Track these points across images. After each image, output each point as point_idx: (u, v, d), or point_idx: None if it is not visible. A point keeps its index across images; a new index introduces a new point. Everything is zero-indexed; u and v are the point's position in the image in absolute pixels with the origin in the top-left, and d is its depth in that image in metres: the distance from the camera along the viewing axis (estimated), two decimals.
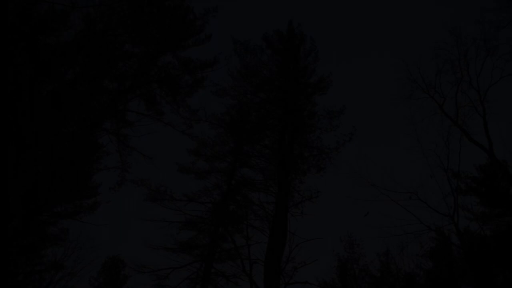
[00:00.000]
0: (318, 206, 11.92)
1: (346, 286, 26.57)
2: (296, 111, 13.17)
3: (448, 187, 13.29)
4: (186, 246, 15.27)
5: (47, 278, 16.66)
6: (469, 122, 11.99)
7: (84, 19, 12.59)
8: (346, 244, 21.79)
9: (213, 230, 13.34)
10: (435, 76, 13.71)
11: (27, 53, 12.45)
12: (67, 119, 14.36)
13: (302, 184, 10.47)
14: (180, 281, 13.95)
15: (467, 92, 12.87)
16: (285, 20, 15.89)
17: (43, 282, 15.95)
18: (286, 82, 14.85)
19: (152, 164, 12.78)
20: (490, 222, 21.18)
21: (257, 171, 16.19)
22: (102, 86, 14.33)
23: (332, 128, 12.61)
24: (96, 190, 19.73)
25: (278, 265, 7.29)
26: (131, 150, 12.76)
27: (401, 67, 14.19)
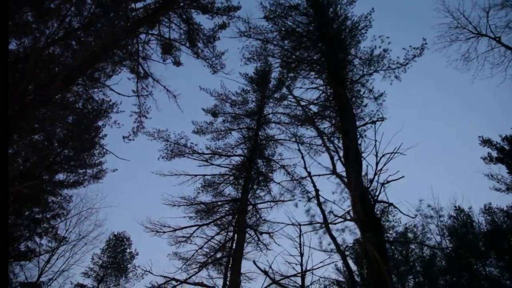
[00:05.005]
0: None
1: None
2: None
3: None
4: (205, 210, 13.68)
5: (49, 250, 14.93)
6: None
7: None
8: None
9: (245, 182, 11.82)
10: (486, 14, 12.52)
11: None
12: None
13: (365, 108, 9.07)
14: (197, 250, 12.40)
15: None
16: None
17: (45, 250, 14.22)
18: (318, 29, 13.45)
19: (176, 103, 11.13)
20: None
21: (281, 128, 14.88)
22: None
23: (376, 70, 11.19)
24: (101, 156, 18.09)
25: (362, 184, 5.87)
26: (153, 86, 11.11)
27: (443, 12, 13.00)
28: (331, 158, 5.58)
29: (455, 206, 26.13)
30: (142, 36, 12.05)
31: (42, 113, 12.80)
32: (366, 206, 5.37)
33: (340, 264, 22.04)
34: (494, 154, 20.87)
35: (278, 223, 9.92)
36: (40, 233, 13.61)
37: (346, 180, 5.81)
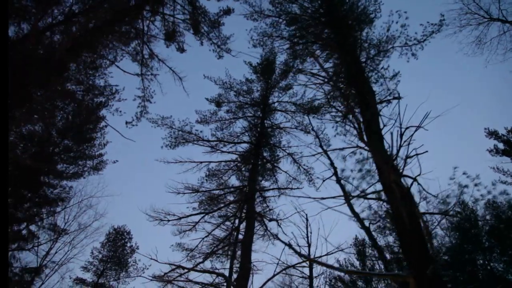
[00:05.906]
0: None
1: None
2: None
3: None
4: (210, 200, 13.29)
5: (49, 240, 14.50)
6: None
7: None
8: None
9: (252, 169, 11.46)
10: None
11: None
12: None
13: (380, 87, 8.72)
14: (198, 240, 12.00)
15: None
16: None
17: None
18: (327, 13, 13.10)
19: (181, 86, 10.74)
20: None
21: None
22: None
23: (392, 47, 10.75)
24: (101, 147, 17.70)
25: (386, 155, 5.55)
26: (158, 68, 10.71)
27: None
28: (359, 124, 5.26)
29: (459, 200, 25.92)
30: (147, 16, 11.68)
31: (42, 99, 12.37)
32: (395, 176, 5.07)
33: (342, 261, 21.75)
34: (501, 146, 20.61)
35: (296, 197, 9.48)
36: (41, 216, 13.17)
37: (370, 152, 5.52)
